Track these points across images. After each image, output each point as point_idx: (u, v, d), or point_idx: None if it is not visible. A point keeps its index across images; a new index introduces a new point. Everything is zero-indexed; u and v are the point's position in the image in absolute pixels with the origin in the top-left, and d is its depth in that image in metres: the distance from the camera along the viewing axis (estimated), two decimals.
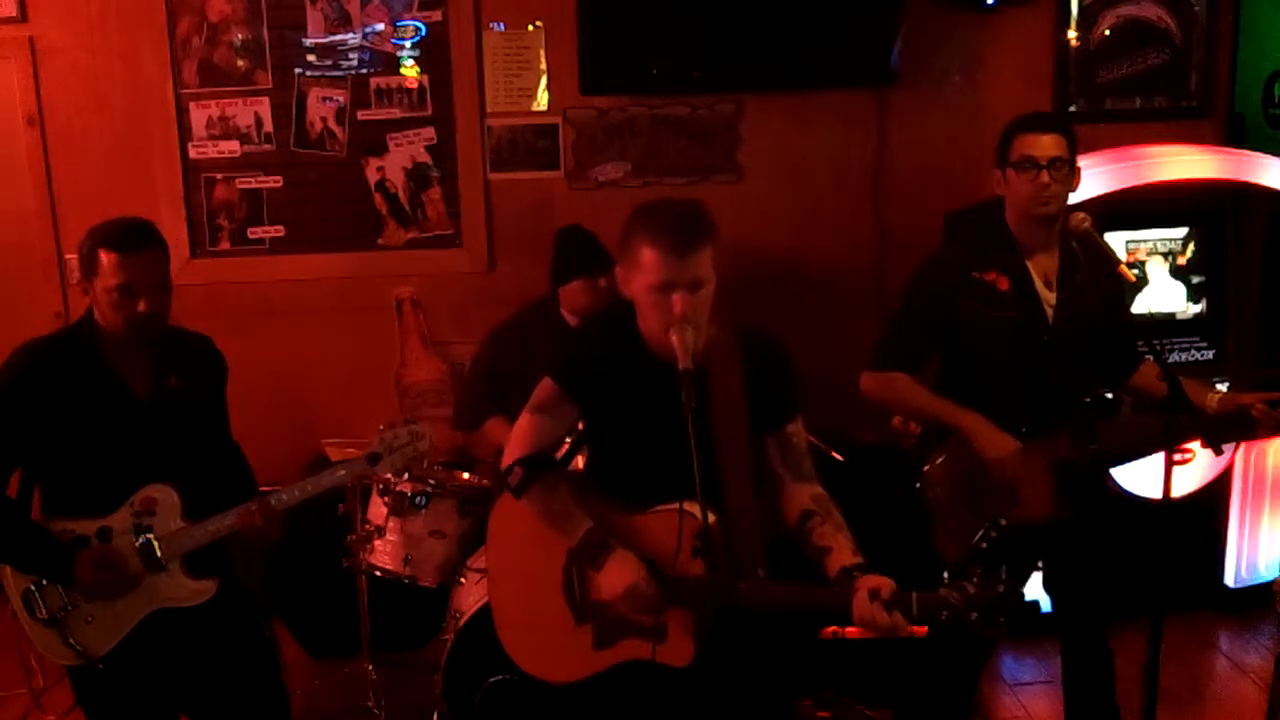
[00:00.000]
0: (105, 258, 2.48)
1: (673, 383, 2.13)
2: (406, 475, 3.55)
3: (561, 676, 2.41)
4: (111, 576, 2.54)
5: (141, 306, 2.49)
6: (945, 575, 2.09)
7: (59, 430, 2.52)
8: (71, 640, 2.54)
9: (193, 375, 2.69)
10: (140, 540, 2.57)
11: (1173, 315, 4.07)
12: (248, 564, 2.87)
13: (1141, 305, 4.00)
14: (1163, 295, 4.05)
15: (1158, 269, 4.04)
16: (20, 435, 2.52)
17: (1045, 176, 2.76)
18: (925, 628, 3.61)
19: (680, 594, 2.22)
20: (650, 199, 2.33)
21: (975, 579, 2.06)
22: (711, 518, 2.16)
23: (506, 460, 2.40)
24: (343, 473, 2.79)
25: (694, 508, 2.10)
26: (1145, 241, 4.02)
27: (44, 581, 2.54)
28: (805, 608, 2.21)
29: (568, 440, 2.67)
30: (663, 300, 2.17)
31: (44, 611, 2.54)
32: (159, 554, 2.58)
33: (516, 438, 2.41)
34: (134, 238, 2.52)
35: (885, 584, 2.10)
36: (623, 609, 2.24)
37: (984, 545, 2.78)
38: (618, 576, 2.23)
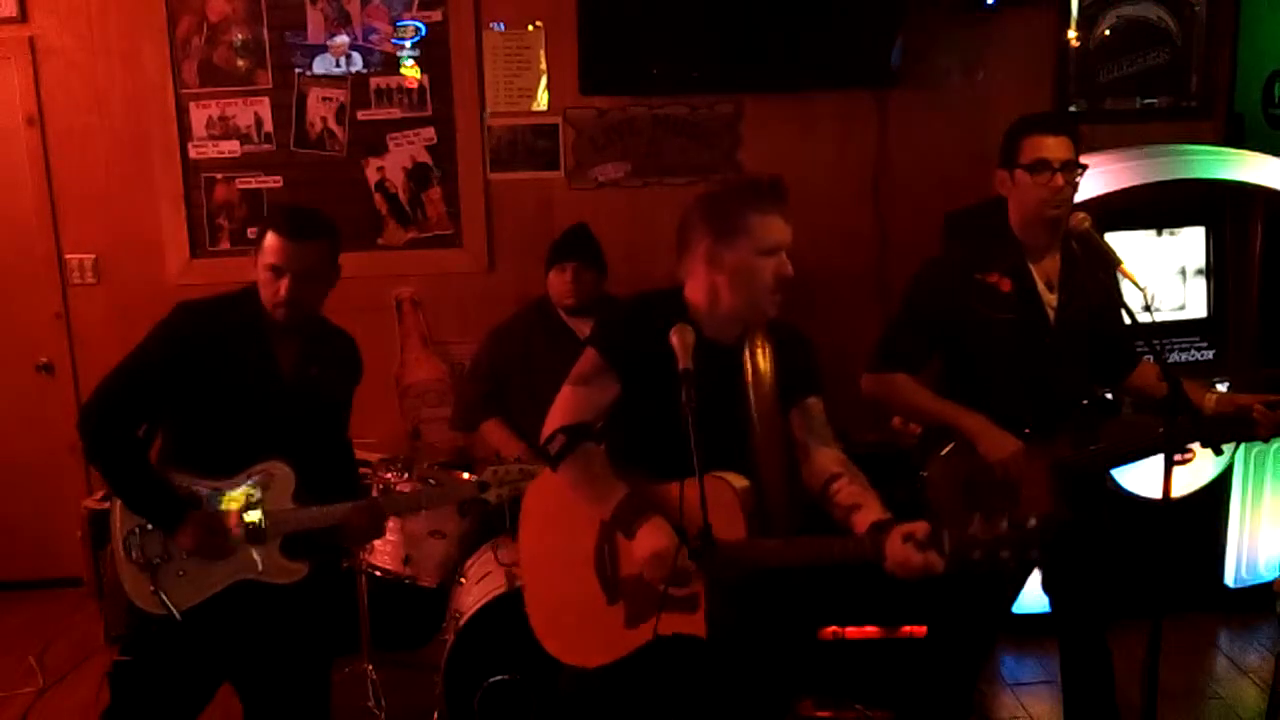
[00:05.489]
0: (269, 237, 2.59)
1: (718, 362, 2.25)
2: (407, 475, 3.55)
3: (595, 659, 2.41)
4: (214, 539, 2.61)
5: (282, 289, 2.58)
6: (977, 518, 2.09)
7: (207, 387, 2.60)
8: (159, 589, 2.59)
9: (334, 370, 2.78)
10: (249, 511, 2.63)
11: (1173, 315, 4.07)
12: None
13: (1140, 306, 4.00)
14: (1162, 296, 4.04)
15: (1158, 269, 4.04)
16: (170, 384, 2.59)
17: (1060, 179, 2.76)
18: (924, 628, 3.62)
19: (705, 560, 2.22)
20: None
21: (1007, 516, 2.07)
22: (744, 482, 2.28)
23: (548, 429, 2.39)
24: (451, 493, 3.03)
25: (732, 478, 2.23)
26: (1145, 241, 4.02)
27: (149, 526, 2.60)
28: (838, 560, 2.22)
29: None
30: (771, 264, 2.33)
31: (141, 556, 2.60)
32: (264, 527, 2.64)
33: (557, 409, 2.40)
34: (299, 225, 2.62)
35: (920, 527, 2.12)
36: (649, 575, 2.26)
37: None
38: (650, 541, 2.25)
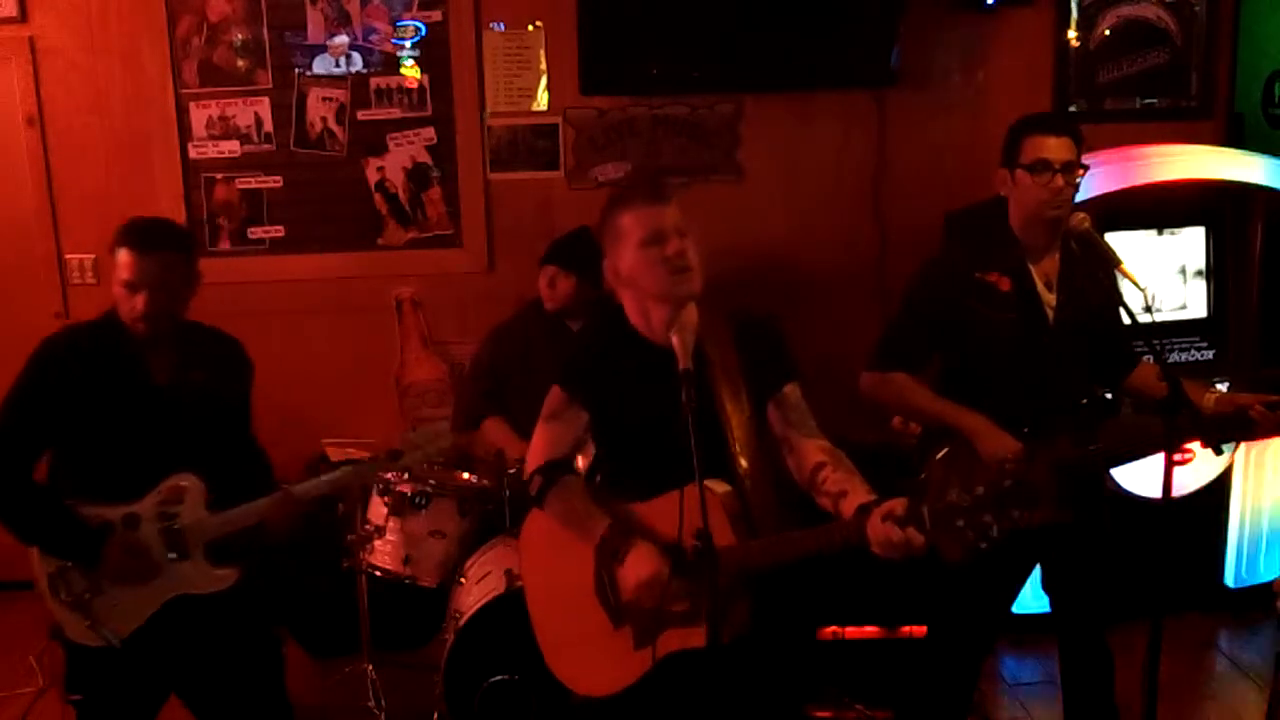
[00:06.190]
0: (121, 253, 2.56)
1: (672, 372, 2.19)
2: (407, 475, 3.55)
3: (608, 687, 2.40)
4: (137, 563, 2.59)
5: (139, 304, 2.55)
6: (954, 487, 2.08)
7: (86, 416, 2.58)
8: (94, 623, 2.58)
9: (218, 372, 2.75)
10: (165, 527, 2.61)
11: (1173, 315, 4.07)
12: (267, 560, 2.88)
13: (1141, 306, 4.00)
14: (1163, 295, 4.04)
15: (1158, 269, 4.04)
16: (49, 419, 2.58)
17: (1059, 180, 2.75)
18: (924, 628, 3.62)
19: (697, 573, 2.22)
20: None
21: (983, 480, 2.06)
22: (726, 487, 2.25)
23: (528, 470, 2.45)
24: (366, 466, 2.88)
25: (712, 484, 2.19)
26: (1145, 241, 4.02)
27: (70, 565, 2.59)
28: (820, 550, 2.21)
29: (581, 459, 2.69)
30: (656, 252, 2.25)
31: (69, 594, 2.59)
32: (184, 541, 2.62)
33: (534, 449, 2.45)
34: (149, 237, 2.59)
35: (897, 504, 2.11)
36: (645, 601, 2.26)
37: (984, 545, 2.78)
38: (637, 569, 2.25)
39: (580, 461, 2.70)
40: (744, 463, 2.33)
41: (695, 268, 2.28)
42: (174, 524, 2.61)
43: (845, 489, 2.27)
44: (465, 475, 3.75)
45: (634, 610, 2.33)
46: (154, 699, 2.75)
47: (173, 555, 2.62)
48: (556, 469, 2.41)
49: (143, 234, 2.59)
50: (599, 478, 2.52)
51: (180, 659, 2.71)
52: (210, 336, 2.80)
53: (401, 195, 4.52)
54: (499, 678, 3.26)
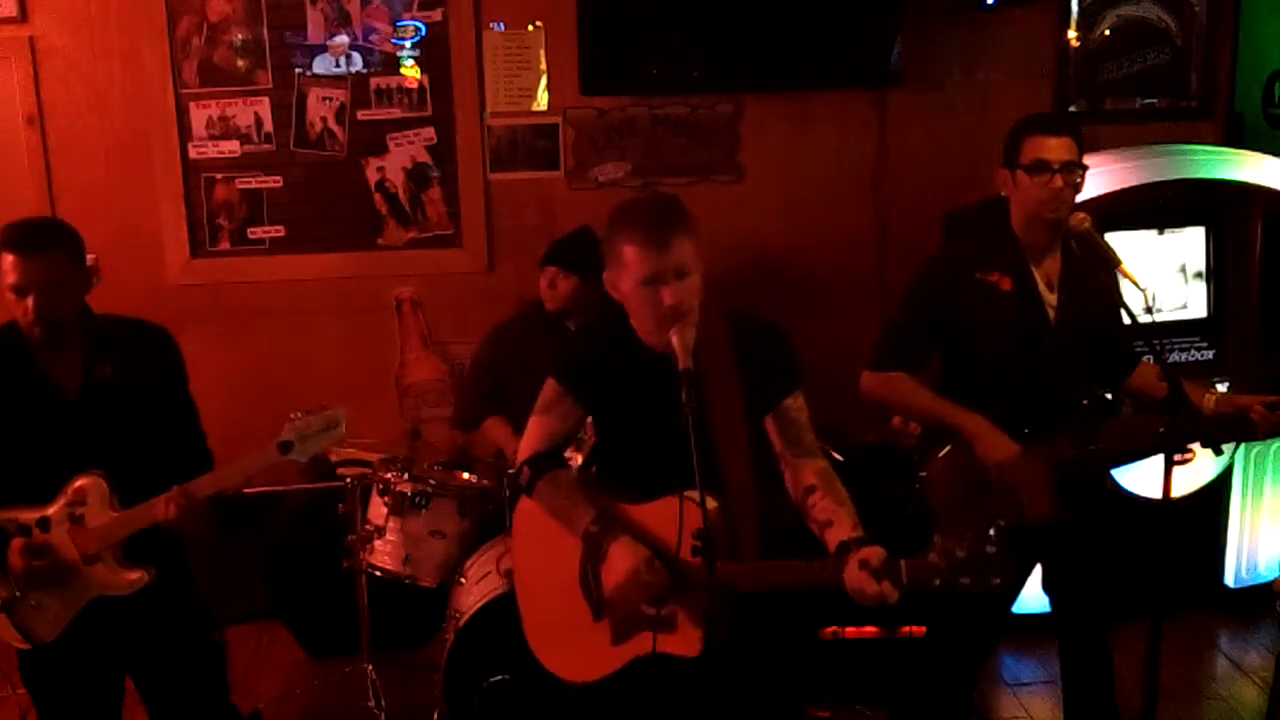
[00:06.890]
0: (4, 258, 2.52)
1: (671, 376, 2.17)
2: (407, 475, 3.55)
3: (585, 675, 2.41)
4: (44, 566, 2.56)
5: (29, 308, 2.51)
6: (936, 538, 2.06)
7: None
8: (19, 625, 2.60)
9: (133, 365, 2.67)
10: (74, 529, 2.59)
11: (1173, 315, 4.07)
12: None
13: (1141, 306, 4.00)
14: (1163, 295, 4.05)
15: (1158, 269, 4.04)
16: None
17: (1059, 181, 2.75)
18: (924, 628, 3.62)
19: (682, 581, 2.23)
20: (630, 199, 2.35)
21: (965, 541, 2.04)
22: (713, 503, 2.21)
23: (518, 463, 2.44)
24: (256, 461, 2.71)
25: (696, 496, 2.13)
26: (1145, 241, 4.02)
27: None
28: (801, 584, 2.20)
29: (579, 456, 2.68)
30: (652, 294, 2.20)
31: None
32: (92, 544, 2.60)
33: (526, 440, 2.44)
34: (31, 238, 2.54)
35: (875, 553, 2.09)
36: (627, 596, 2.25)
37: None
38: (619, 563, 2.24)
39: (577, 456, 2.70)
40: (733, 477, 2.30)
41: (692, 310, 2.23)
42: (81, 526, 2.58)
43: (831, 519, 2.26)
44: (465, 475, 3.75)
45: (613, 606, 2.33)
46: (107, 693, 2.74)
47: (85, 557, 2.60)
48: (546, 461, 2.41)
49: (24, 236, 2.54)
50: (594, 468, 2.51)
51: (116, 658, 2.70)
52: (129, 330, 2.73)
53: (401, 195, 4.52)
54: (499, 677, 3.26)
